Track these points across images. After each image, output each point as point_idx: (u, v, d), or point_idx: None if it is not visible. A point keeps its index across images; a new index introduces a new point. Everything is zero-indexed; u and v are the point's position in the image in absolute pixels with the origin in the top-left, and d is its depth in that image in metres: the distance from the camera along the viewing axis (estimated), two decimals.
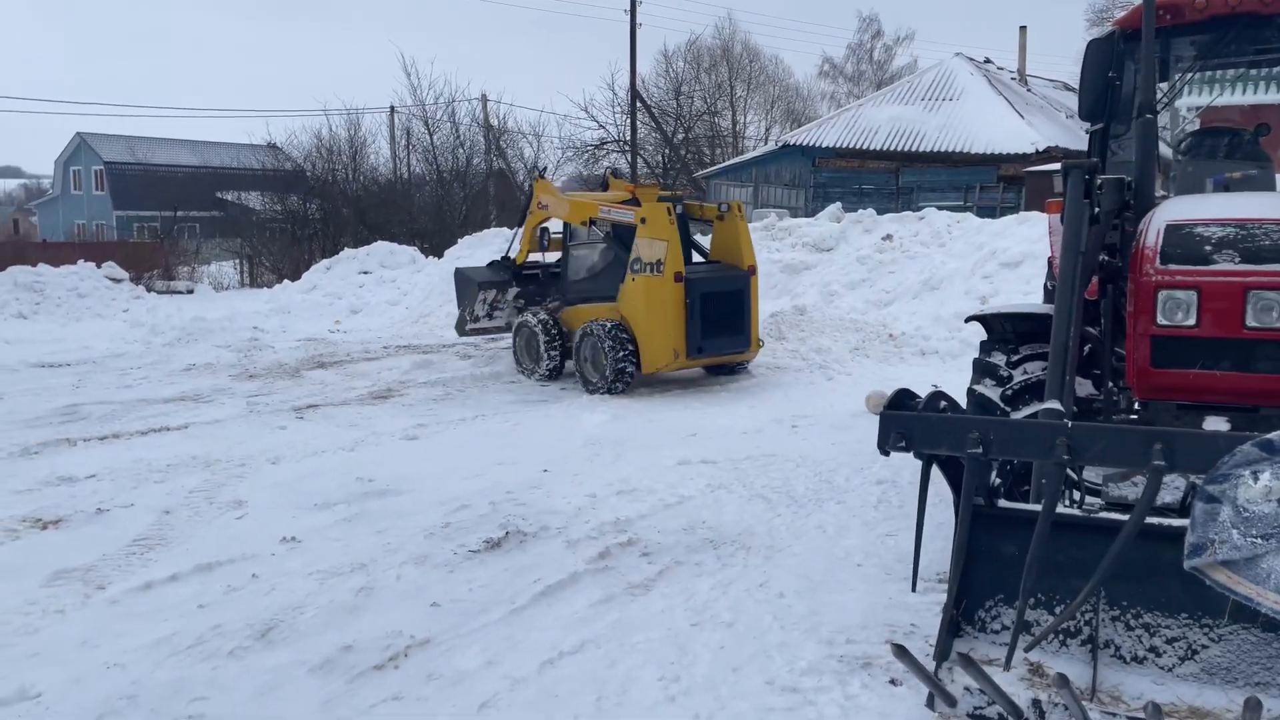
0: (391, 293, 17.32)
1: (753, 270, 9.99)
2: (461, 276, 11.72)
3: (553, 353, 10.23)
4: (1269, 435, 2.55)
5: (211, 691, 3.55)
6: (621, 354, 9.39)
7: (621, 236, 9.97)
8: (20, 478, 6.63)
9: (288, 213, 28.64)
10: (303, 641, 3.95)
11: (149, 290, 19.29)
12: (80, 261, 17.73)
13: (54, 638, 4.04)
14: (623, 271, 9.77)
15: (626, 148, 32.28)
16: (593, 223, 10.25)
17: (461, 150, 30.74)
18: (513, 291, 11.38)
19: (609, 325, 9.50)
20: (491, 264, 11.89)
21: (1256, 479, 2.48)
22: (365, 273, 18.18)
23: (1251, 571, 2.43)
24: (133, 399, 9.65)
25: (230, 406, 9.19)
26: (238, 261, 29.15)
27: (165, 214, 35.34)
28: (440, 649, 3.88)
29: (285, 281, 20.72)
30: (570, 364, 10.16)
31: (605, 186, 11.79)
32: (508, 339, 11.67)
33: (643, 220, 9.48)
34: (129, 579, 4.69)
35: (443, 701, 3.47)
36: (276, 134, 52.81)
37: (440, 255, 19.20)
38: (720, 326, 9.70)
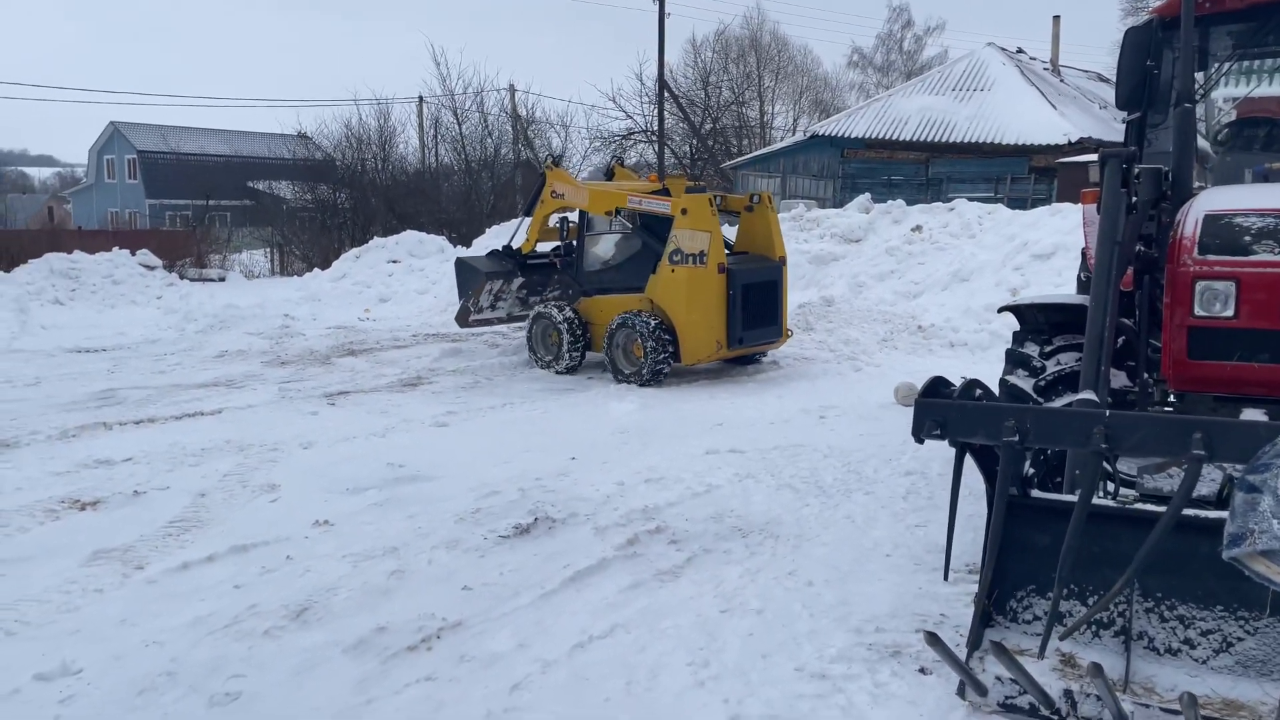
0: (420, 281, 17.41)
1: (783, 261, 10.11)
2: (464, 266, 11.46)
3: (576, 345, 10.17)
4: None
5: (248, 669, 3.61)
6: (661, 346, 9.38)
7: (650, 227, 9.92)
8: (59, 460, 6.74)
9: (318, 202, 28.88)
10: (336, 622, 4.00)
11: (182, 278, 19.50)
12: (115, 249, 17.94)
13: (94, 616, 4.11)
14: (651, 262, 9.74)
15: (654, 138, 32.21)
16: (618, 213, 10.17)
17: (490, 140, 30.84)
18: (517, 282, 11.19)
19: (649, 317, 9.48)
20: (492, 254, 11.59)
21: None
22: (394, 261, 18.28)
23: None
24: (167, 384, 9.78)
25: (262, 392, 9.29)
26: (268, 250, 29.42)
27: (197, 203, 35.75)
28: (472, 631, 3.92)
29: (315, 270, 20.88)
30: (589, 357, 10.18)
31: (610, 176, 11.77)
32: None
33: (684, 211, 9.42)
34: (166, 559, 4.77)
35: (475, 683, 3.50)
36: (307, 124, 53.17)
37: (469, 245, 19.30)
38: (758, 317, 9.78)
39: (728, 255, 9.89)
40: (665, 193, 9.92)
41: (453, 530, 5.16)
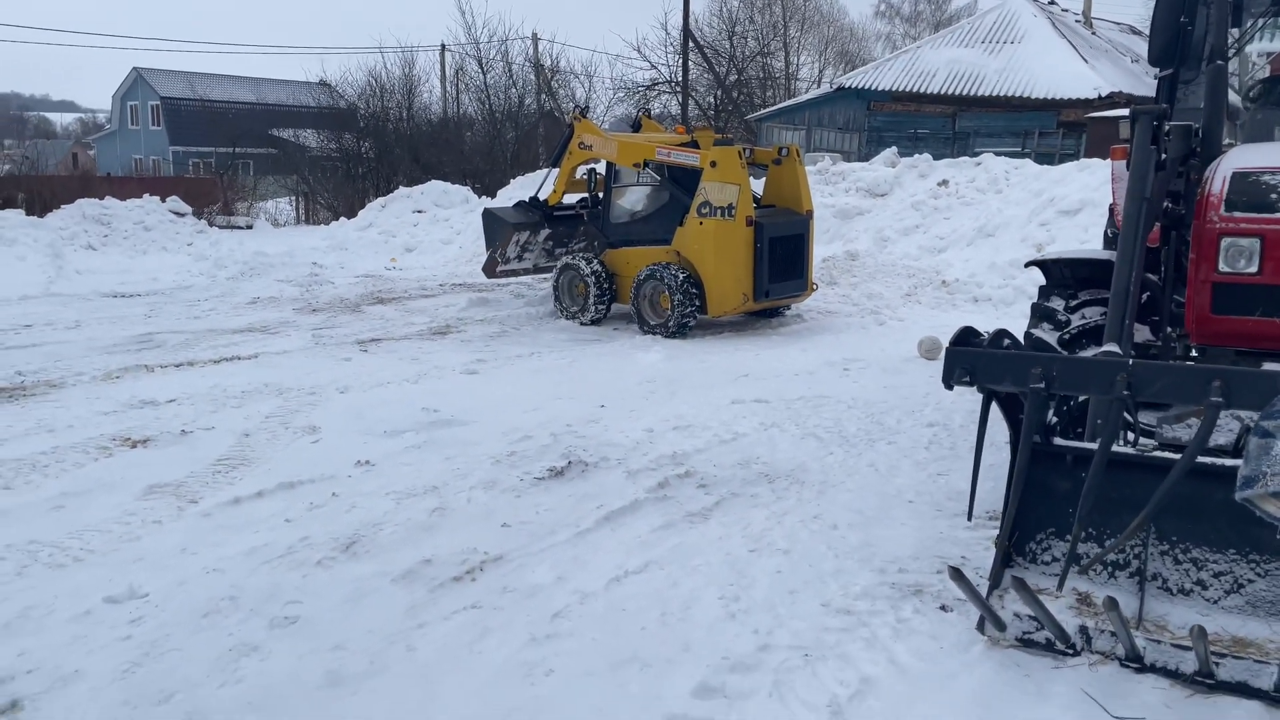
0: (445, 231, 17.56)
1: (810, 214, 10.17)
2: (492, 217, 11.46)
3: (603, 298, 10.27)
4: None
5: (304, 596, 3.82)
6: (688, 298, 9.48)
7: (678, 179, 9.97)
8: (105, 400, 6.97)
9: (342, 150, 28.94)
10: (384, 555, 4.21)
11: (210, 225, 19.71)
12: (145, 196, 18.14)
13: (154, 545, 4.34)
14: (678, 214, 9.80)
15: (678, 89, 31.98)
16: (646, 164, 10.18)
17: (514, 90, 30.71)
18: (544, 233, 11.24)
19: (676, 269, 9.56)
20: (518, 204, 11.67)
21: None
22: (419, 211, 18.42)
23: None
24: (203, 329, 10.01)
25: (296, 338, 9.50)
26: (293, 198, 29.57)
27: (221, 150, 35.85)
28: (513, 565, 4.12)
29: (341, 219, 21.04)
30: (614, 308, 10.29)
31: (637, 127, 11.77)
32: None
33: (713, 164, 9.45)
34: (218, 494, 4.99)
35: (518, 611, 3.71)
36: (331, 72, 52.94)
37: (493, 195, 19.37)
38: (785, 270, 9.85)
39: (755, 208, 9.95)
40: (693, 145, 9.95)
41: (489, 471, 5.35)
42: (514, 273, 11.48)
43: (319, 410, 6.73)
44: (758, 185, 10.64)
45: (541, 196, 11.51)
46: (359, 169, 28.54)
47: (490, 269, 11.21)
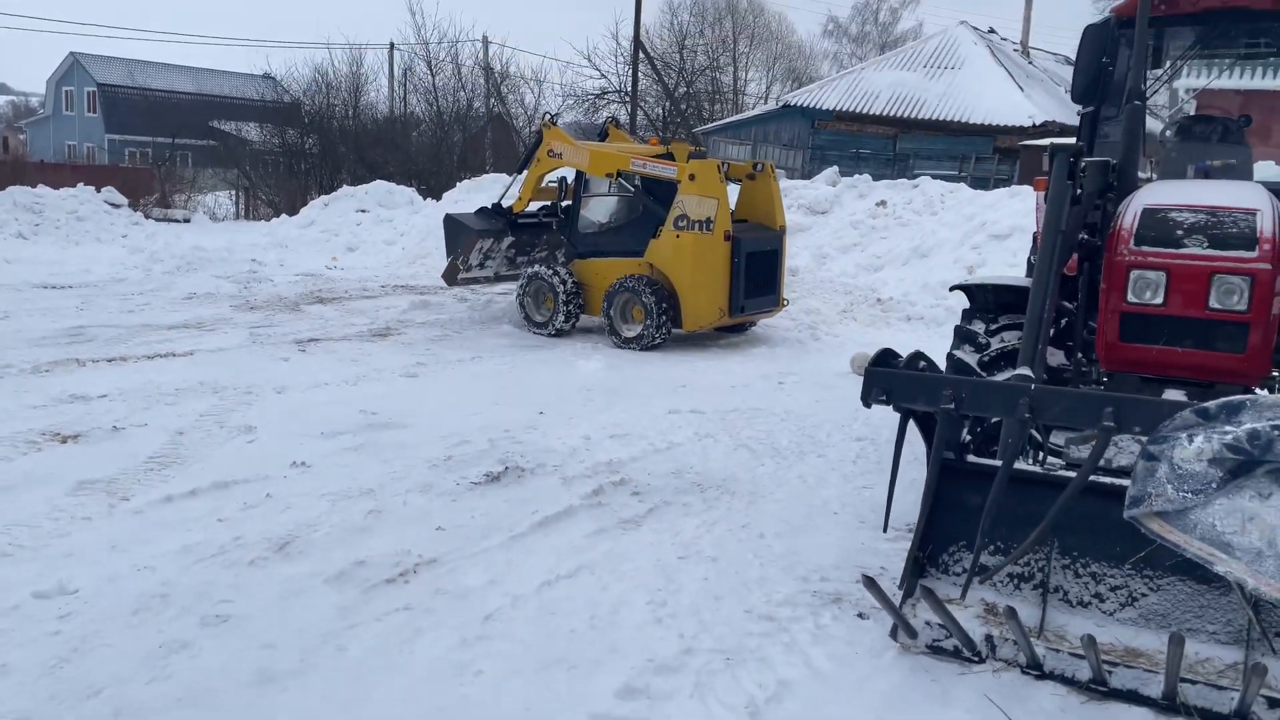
0: (388, 232, 17.46)
1: (784, 230, 10.27)
2: (454, 223, 11.14)
3: (571, 310, 10.11)
4: (1204, 404, 2.86)
5: (236, 595, 3.85)
6: (663, 311, 9.43)
7: (652, 191, 9.87)
8: (35, 393, 6.86)
9: (285, 146, 28.56)
10: (318, 555, 4.25)
11: (147, 217, 19.33)
12: (80, 185, 17.73)
13: (85, 541, 4.32)
14: (651, 226, 9.70)
15: (627, 98, 32.18)
16: (619, 175, 10.03)
17: (463, 93, 30.64)
18: (507, 241, 11.04)
19: (651, 282, 9.52)
20: (481, 211, 11.32)
21: (1191, 441, 2.80)
22: (363, 211, 18.28)
23: (1181, 522, 2.76)
24: (137, 324, 9.86)
25: (233, 336, 9.42)
26: (234, 193, 29.09)
27: (159, 140, 35.11)
28: (446, 568, 4.19)
29: (283, 215, 20.79)
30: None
31: (604, 136, 11.79)
32: (502, 286, 11.80)
33: (691, 177, 9.39)
34: (150, 492, 4.97)
35: (450, 613, 3.78)
36: (276, 66, 52.09)
37: (439, 197, 19.32)
38: (759, 285, 9.91)
39: (739, 223, 9.85)
40: (669, 157, 9.95)
41: (426, 475, 5.41)
42: (475, 281, 11.26)
43: (255, 409, 6.71)
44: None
45: (505, 203, 11.19)
46: (302, 165, 28.21)
47: (451, 276, 10.95)
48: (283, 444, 5.89)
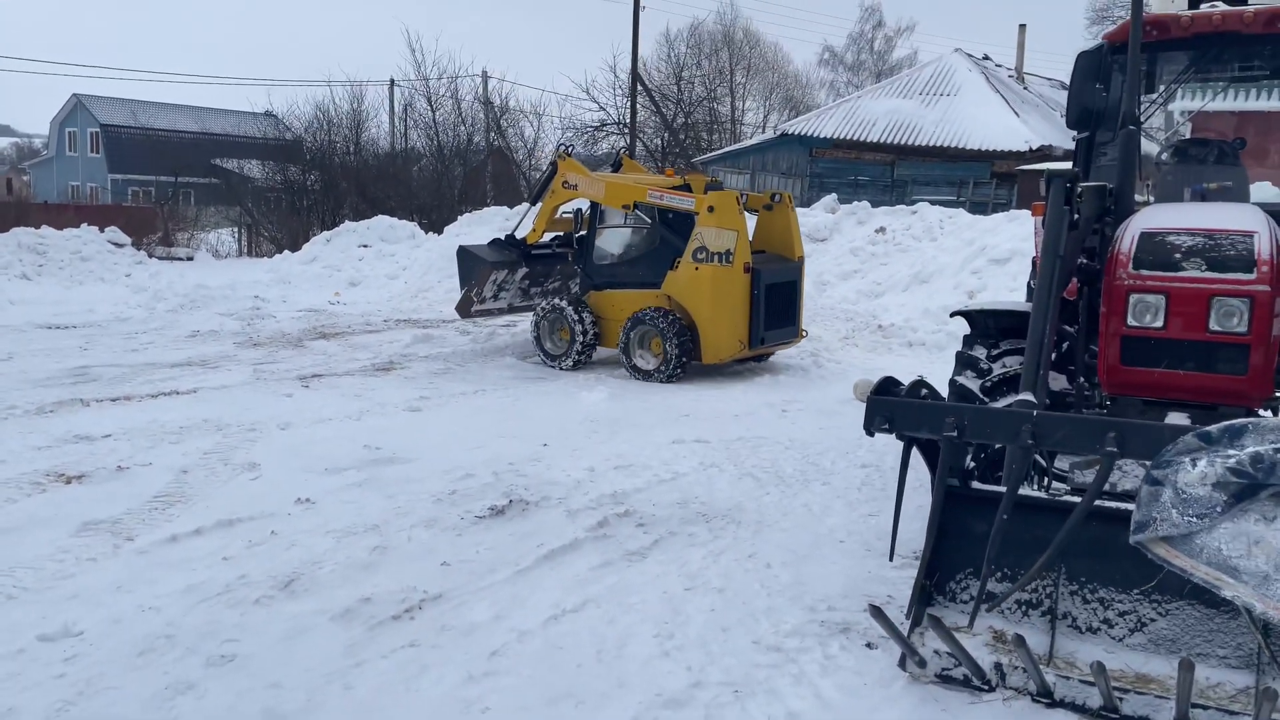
0: (391, 267, 17.54)
1: (802, 260, 10.30)
2: (467, 255, 11.09)
3: (588, 343, 10.06)
4: (1207, 428, 2.86)
5: (242, 634, 3.84)
6: (683, 344, 9.41)
7: (669, 222, 9.88)
8: (39, 434, 6.88)
9: (287, 182, 28.75)
10: (323, 593, 4.25)
11: (150, 256, 19.42)
12: (83, 225, 17.84)
13: (90, 583, 4.31)
14: (668, 258, 9.69)
15: (626, 130, 32.42)
16: (636, 206, 10.00)
17: (463, 127, 30.87)
18: (521, 272, 11.05)
19: (670, 315, 9.49)
20: (494, 242, 11.32)
21: (1194, 465, 2.80)
22: (365, 246, 18.37)
23: (1187, 547, 2.75)
24: (141, 363, 9.89)
25: (237, 373, 9.44)
26: (236, 230, 29.26)
27: (161, 179, 35.37)
28: (452, 604, 4.18)
29: (285, 252, 20.88)
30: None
31: (618, 167, 11.83)
32: (506, 318, 11.81)
33: (710, 209, 9.38)
34: (154, 532, 4.97)
35: (456, 649, 3.77)
36: (277, 104, 52.62)
37: (440, 231, 19.41)
38: (779, 316, 9.90)
39: (758, 254, 9.84)
40: (685, 188, 9.96)
41: (430, 510, 5.40)
42: (489, 312, 11.23)
43: (259, 446, 6.72)
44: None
45: (518, 235, 11.22)
46: (304, 201, 28.37)
47: (465, 308, 10.92)
48: (287, 481, 5.90)
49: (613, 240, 10.55)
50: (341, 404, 8.15)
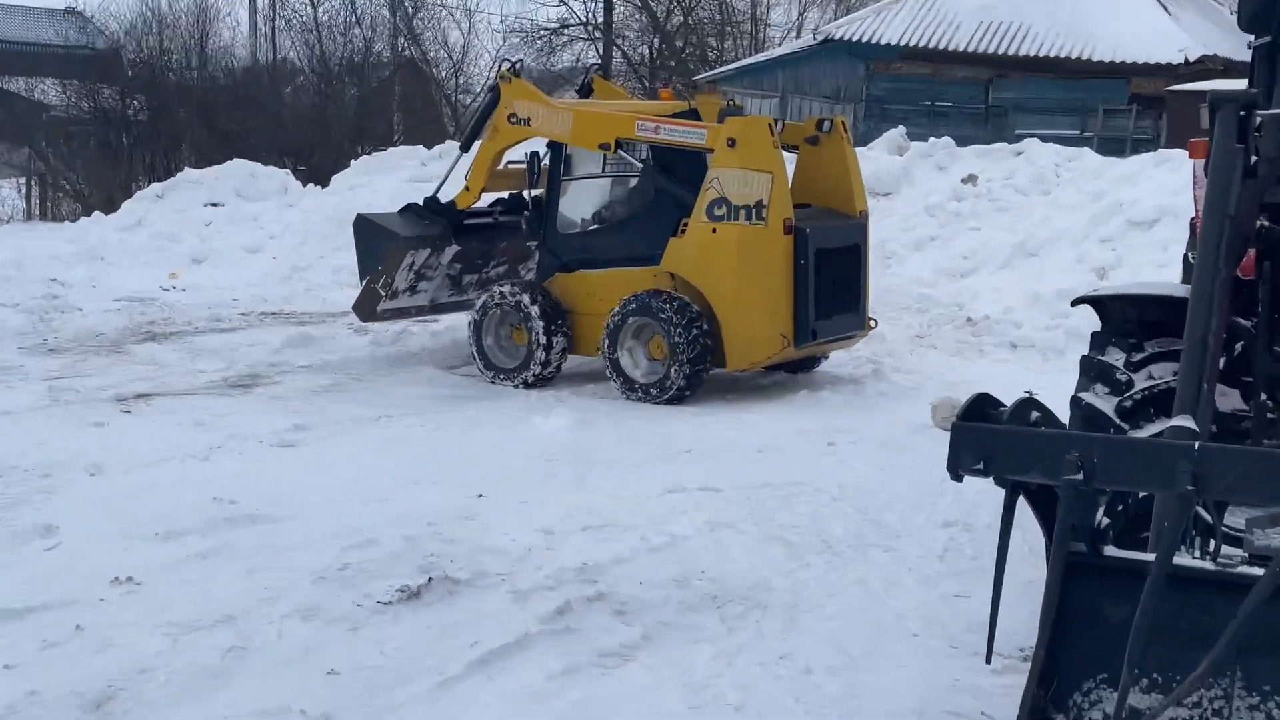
0: (253, 235, 17.52)
1: (865, 216, 10.12)
2: (370, 228, 10.79)
3: (554, 349, 9.88)
4: None
5: None
6: (696, 342, 9.22)
7: (668, 166, 9.79)
8: None
9: (99, 111, 28.66)
10: (152, 718, 4.21)
11: None
12: None
13: None
14: (670, 219, 9.55)
15: (597, 35, 32.50)
16: (618, 147, 9.88)
17: (358, 29, 30.87)
18: (450, 252, 10.80)
19: (675, 300, 9.31)
20: (409, 209, 10.97)
21: None
22: (215, 204, 18.35)
23: None
24: None
25: (23, 393, 9.41)
26: (22, 181, 29.10)
27: None
28: None
29: (96, 214, 20.77)
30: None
31: (587, 93, 11.72)
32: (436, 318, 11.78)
33: (731, 142, 9.18)
34: None
35: None
36: None
37: (325, 183, 19.40)
38: (836, 299, 9.71)
39: (801, 208, 9.62)
40: (692, 115, 9.93)
41: (311, 593, 5.38)
42: (403, 313, 11.11)
43: (56, 501, 6.69)
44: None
45: (445, 197, 10.90)
46: (124, 139, 28.27)
47: (367, 307, 10.65)
48: (98, 551, 5.87)
49: (585, 198, 10.48)
50: (178, 437, 8.13)
